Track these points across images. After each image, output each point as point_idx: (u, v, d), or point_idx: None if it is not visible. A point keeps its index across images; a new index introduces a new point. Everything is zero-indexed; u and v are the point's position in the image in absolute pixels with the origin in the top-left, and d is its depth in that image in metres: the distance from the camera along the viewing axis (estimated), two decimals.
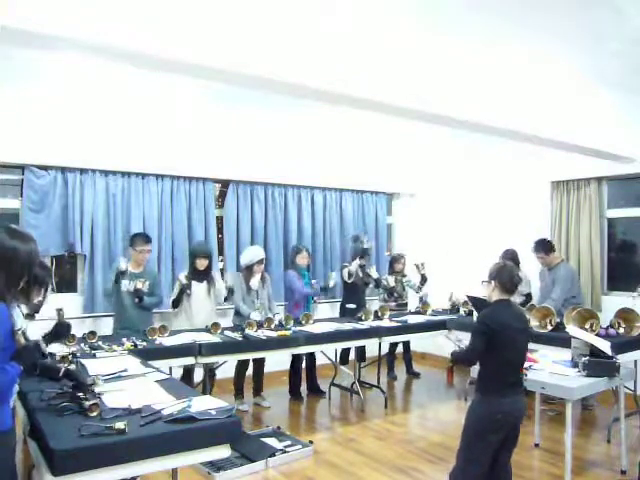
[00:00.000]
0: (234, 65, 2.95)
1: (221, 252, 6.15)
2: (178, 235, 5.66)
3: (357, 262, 5.80)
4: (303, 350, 4.75)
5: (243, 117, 5.70)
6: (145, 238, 4.69)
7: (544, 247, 5.26)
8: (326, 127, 6.16)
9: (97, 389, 2.46)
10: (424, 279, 6.19)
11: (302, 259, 5.52)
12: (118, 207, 5.32)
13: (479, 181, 6.85)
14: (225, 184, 6.16)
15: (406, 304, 6.26)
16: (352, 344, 5.17)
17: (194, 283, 4.84)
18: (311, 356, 5.59)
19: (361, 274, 5.88)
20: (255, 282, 5.05)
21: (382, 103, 3.64)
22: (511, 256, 5.66)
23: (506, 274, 2.88)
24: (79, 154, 5.03)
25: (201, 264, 4.84)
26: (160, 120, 5.36)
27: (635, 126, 5.17)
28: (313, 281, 5.61)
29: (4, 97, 4.60)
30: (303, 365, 5.66)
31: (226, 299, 5.08)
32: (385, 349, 6.13)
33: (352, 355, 5.79)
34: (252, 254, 5.14)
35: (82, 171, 5.14)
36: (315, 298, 5.75)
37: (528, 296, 5.63)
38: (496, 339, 2.76)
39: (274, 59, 3.08)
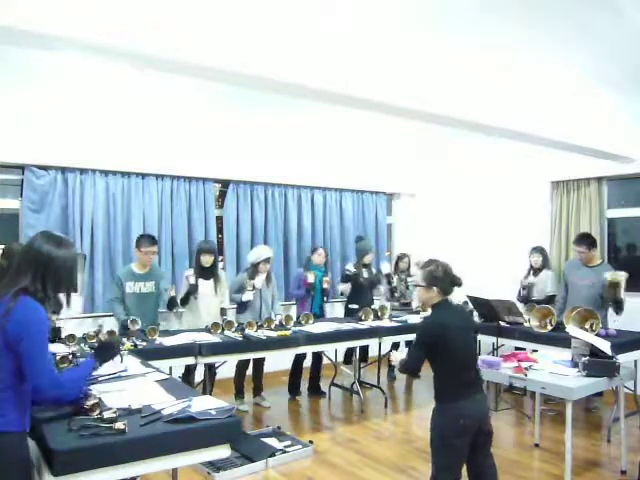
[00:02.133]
0: (234, 65, 2.96)
1: (221, 252, 6.15)
2: (178, 235, 5.66)
3: (363, 271, 5.80)
4: (303, 350, 4.75)
5: (243, 117, 5.69)
6: (151, 239, 4.65)
7: (589, 241, 4.97)
8: (326, 127, 6.16)
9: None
10: None
11: (317, 257, 5.57)
12: (118, 207, 5.32)
13: (479, 181, 6.85)
14: (225, 184, 6.16)
15: (409, 303, 6.24)
16: (352, 344, 5.16)
17: (200, 281, 4.84)
18: (317, 356, 5.60)
19: (367, 274, 5.87)
20: (259, 281, 5.05)
21: (382, 103, 3.65)
22: (540, 251, 5.55)
23: (448, 280, 2.74)
24: (79, 154, 5.03)
25: (206, 261, 4.83)
26: (160, 120, 5.36)
27: (635, 126, 5.18)
28: (325, 278, 5.62)
29: (4, 97, 4.60)
30: (305, 365, 5.66)
31: (171, 307, 4.79)
32: (385, 349, 6.12)
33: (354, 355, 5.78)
34: (259, 252, 5.14)
35: (82, 171, 5.14)
36: (325, 297, 5.79)
37: (551, 298, 5.41)
38: (443, 344, 2.66)
39: (274, 59, 3.08)
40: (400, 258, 6.38)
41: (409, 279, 6.26)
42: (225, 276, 5.22)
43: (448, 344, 2.67)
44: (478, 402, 2.73)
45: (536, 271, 5.58)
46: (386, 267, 6.08)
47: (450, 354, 2.68)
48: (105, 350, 2.32)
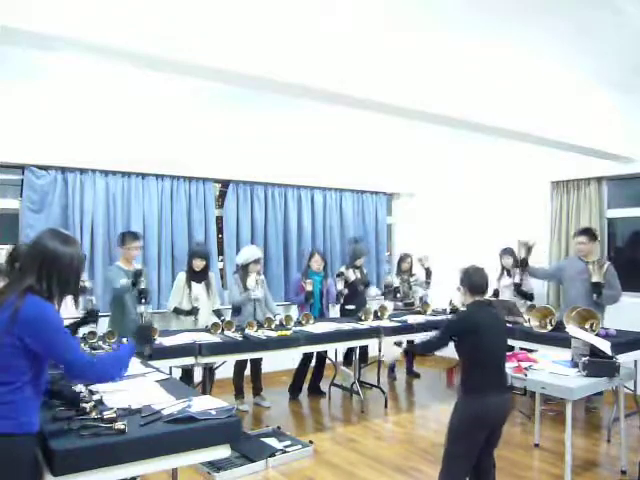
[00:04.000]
0: (234, 65, 2.96)
1: (221, 252, 6.15)
2: (178, 235, 5.66)
3: (351, 271, 5.80)
4: (303, 350, 4.75)
5: (243, 117, 5.69)
6: (134, 235, 4.60)
7: (592, 233, 5.02)
8: (326, 127, 6.16)
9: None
10: (429, 272, 6.15)
11: (314, 263, 5.52)
12: (118, 207, 5.32)
13: (479, 181, 6.85)
14: (225, 184, 6.16)
15: (413, 303, 6.23)
16: (352, 344, 5.17)
17: (193, 284, 4.84)
18: (321, 357, 5.59)
19: (359, 275, 5.88)
20: (251, 282, 5.04)
21: (382, 103, 3.65)
22: (510, 253, 5.67)
23: (471, 278, 2.95)
24: (79, 154, 5.03)
25: (197, 265, 4.83)
26: (160, 120, 5.36)
27: (635, 126, 5.17)
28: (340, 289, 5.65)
29: (4, 97, 4.60)
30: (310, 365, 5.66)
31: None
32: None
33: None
34: (248, 253, 5.13)
35: (82, 171, 5.14)
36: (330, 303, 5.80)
37: (531, 297, 5.48)
38: (472, 339, 2.81)
39: (274, 59, 3.08)
40: (402, 259, 6.37)
41: (411, 279, 6.27)
42: (214, 278, 5.19)
43: (476, 339, 2.80)
44: (502, 400, 2.84)
45: (509, 272, 5.67)
46: (374, 290, 6.18)
47: (478, 350, 2.81)
48: (143, 332, 2.52)
